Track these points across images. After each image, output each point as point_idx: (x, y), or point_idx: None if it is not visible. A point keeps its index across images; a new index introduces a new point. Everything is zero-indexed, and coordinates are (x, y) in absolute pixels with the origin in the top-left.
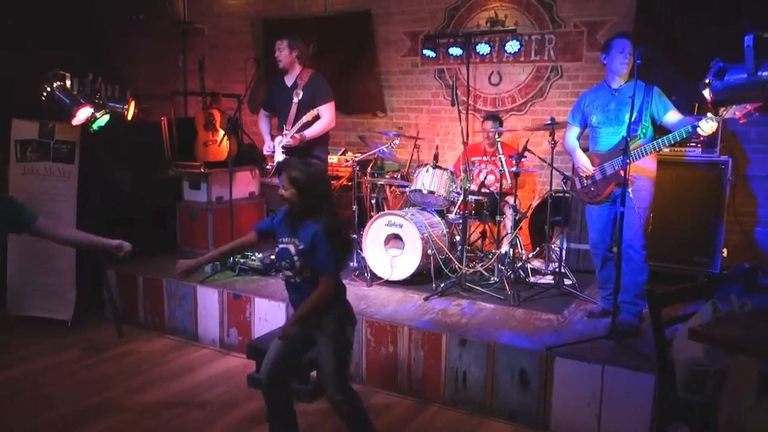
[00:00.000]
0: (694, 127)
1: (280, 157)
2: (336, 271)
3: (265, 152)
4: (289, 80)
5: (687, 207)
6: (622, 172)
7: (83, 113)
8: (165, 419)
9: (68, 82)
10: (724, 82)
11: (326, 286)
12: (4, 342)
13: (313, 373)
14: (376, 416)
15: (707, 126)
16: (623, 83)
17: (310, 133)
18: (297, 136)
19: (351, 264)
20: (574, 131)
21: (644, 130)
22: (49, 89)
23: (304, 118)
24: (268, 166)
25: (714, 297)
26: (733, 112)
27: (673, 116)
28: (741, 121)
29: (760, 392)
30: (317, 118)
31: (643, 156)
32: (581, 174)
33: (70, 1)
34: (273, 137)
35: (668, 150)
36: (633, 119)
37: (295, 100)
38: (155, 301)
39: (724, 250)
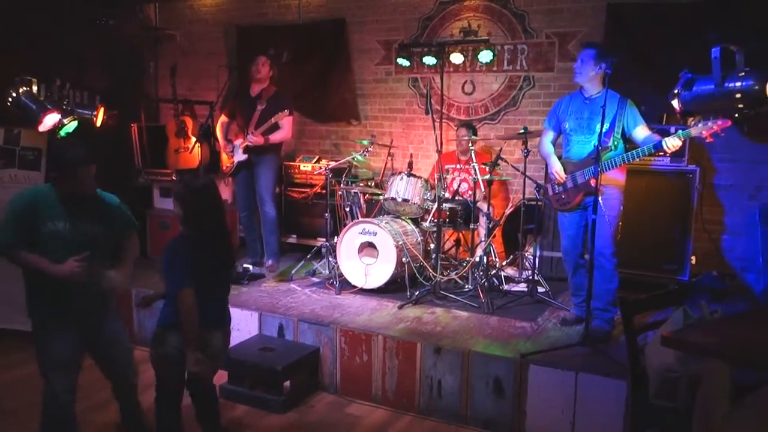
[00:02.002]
0: (660, 143)
1: (241, 156)
2: (179, 287)
3: (224, 150)
4: (254, 91)
5: (656, 215)
6: (592, 182)
7: (50, 119)
8: None
9: (35, 88)
10: (693, 92)
11: (181, 297)
12: None
13: (287, 383)
14: (350, 426)
15: (672, 142)
16: (596, 93)
17: (273, 138)
18: (262, 136)
19: (324, 272)
20: (549, 136)
21: (615, 142)
22: (15, 94)
23: (271, 121)
24: (224, 167)
25: (685, 304)
26: (700, 131)
27: (641, 131)
28: (708, 140)
29: (732, 399)
30: (275, 127)
31: (613, 167)
32: (554, 180)
33: (37, 5)
34: (229, 141)
35: (638, 159)
36: (605, 130)
37: (259, 108)
38: (124, 311)
39: (693, 258)
